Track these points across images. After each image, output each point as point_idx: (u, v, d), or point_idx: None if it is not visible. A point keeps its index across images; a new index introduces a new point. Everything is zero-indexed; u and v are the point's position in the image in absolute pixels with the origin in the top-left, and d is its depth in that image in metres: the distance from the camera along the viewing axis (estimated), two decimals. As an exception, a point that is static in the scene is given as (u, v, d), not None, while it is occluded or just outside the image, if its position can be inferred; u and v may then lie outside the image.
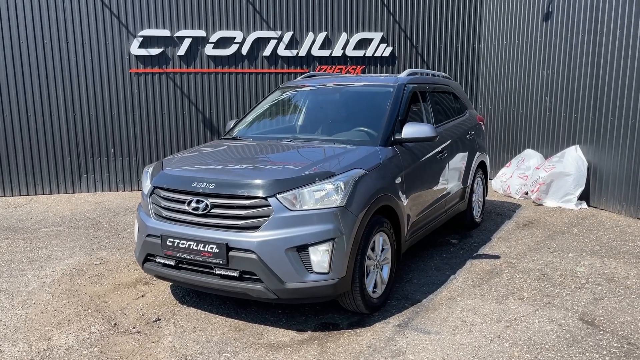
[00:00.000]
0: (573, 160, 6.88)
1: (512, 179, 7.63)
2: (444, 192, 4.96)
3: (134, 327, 3.56)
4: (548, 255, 4.95)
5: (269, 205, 3.26)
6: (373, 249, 3.69)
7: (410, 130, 4.10)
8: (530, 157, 7.64)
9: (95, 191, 8.23)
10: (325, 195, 3.34)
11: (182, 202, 3.47)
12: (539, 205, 6.94)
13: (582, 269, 4.60)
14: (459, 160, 5.30)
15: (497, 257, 4.94)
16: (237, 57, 8.33)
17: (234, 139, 4.57)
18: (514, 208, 6.84)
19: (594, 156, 6.78)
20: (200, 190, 3.40)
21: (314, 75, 5.44)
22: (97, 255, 5.11)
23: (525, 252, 5.07)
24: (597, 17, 6.61)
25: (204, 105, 8.36)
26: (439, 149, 4.81)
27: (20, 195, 7.99)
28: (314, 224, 3.25)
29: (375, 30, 8.66)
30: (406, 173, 4.10)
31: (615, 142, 6.44)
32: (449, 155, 4.99)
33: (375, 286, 3.74)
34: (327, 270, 3.27)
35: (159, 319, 3.69)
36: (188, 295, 4.09)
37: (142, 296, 4.11)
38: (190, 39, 8.13)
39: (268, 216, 3.25)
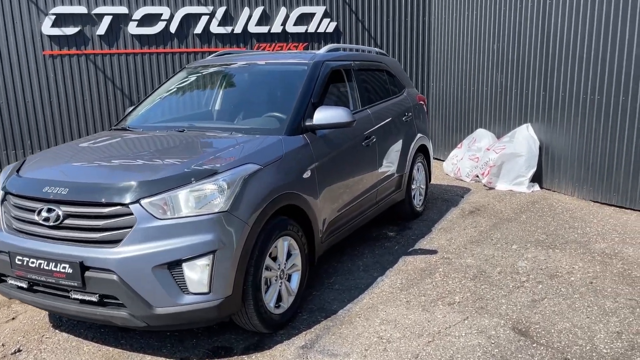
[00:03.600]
0: (524, 140, 6.44)
1: (462, 161, 7.17)
2: (374, 183, 4.43)
3: (-14, 363, 2.96)
4: (490, 248, 4.49)
5: (132, 214, 2.67)
6: (275, 258, 3.15)
7: (322, 116, 3.53)
8: (482, 138, 7.17)
9: (12, 187, 7.47)
10: (204, 198, 2.76)
11: (32, 210, 2.85)
12: (490, 189, 6.50)
13: (524, 263, 4.15)
14: (392, 146, 4.77)
15: (434, 252, 4.46)
16: (165, 35, 7.60)
17: (123, 129, 3.92)
18: (463, 193, 6.38)
19: (545, 135, 6.34)
20: (51, 197, 2.78)
21: (228, 53, 4.81)
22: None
23: (465, 244, 4.60)
24: (546, -16, 6.10)
25: (130, 90, 7.63)
26: (366, 134, 4.26)
27: None
28: (189, 235, 2.68)
29: (318, 4, 8.02)
30: (320, 165, 3.55)
31: (567, 120, 6.00)
32: (379, 141, 4.45)
33: (280, 299, 3.20)
34: (207, 290, 2.71)
35: (19, 350, 3.08)
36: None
37: (13, 318, 3.50)
38: (110, 17, 7.36)
39: (131, 227, 2.66)
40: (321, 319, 3.34)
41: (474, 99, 7.50)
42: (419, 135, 5.37)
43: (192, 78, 4.37)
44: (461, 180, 7.06)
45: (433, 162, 7.80)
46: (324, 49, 4.26)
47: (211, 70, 4.33)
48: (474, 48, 7.41)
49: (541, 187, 6.46)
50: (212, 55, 4.78)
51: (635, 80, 5.18)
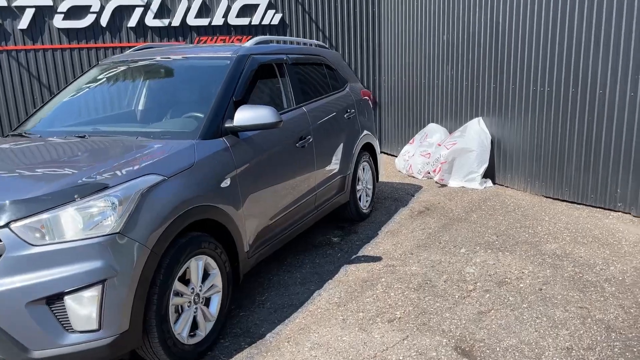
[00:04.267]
0: (475, 134, 6.21)
1: (414, 158, 6.91)
2: (312, 187, 4.08)
3: None
4: (437, 253, 4.21)
5: (0, 241, 2.23)
6: (188, 281, 2.76)
7: (243, 116, 3.14)
8: (434, 133, 6.92)
9: None
10: (92, 218, 2.34)
11: None
12: (442, 186, 6.25)
13: (472, 269, 3.88)
14: (333, 146, 4.42)
15: (379, 259, 4.15)
16: (95, 29, 7.03)
17: (19, 135, 3.44)
18: (414, 191, 6.10)
19: (497, 129, 6.13)
20: None
21: (151, 47, 4.35)
22: None
23: (412, 249, 4.31)
24: (494, -28, 5.86)
25: (59, 88, 7.03)
26: (301, 134, 3.90)
27: None
28: (73, 262, 2.26)
29: (261, -5, 7.58)
30: (243, 171, 3.17)
31: (518, 113, 5.79)
32: (317, 141, 4.10)
33: (196, 327, 2.82)
34: (96, 327, 2.30)
35: None
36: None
37: None
38: (33, 9, 6.75)
39: (0, 255, 2.23)
40: (245, 346, 2.97)
41: (425, 93, 7.24)
42: (363, 132, 5.05)
43: (105, 76, 3.90)
44: (413, 177, 6.80)
45: (384, 159, 7.54)
46: (251, 41, 3.86)
47: (126, 66, 3.87)
48: (423, 40, 7.14)
49: (494, 183, 6.25)
50: (130, 50, 4.32)
51: (584, 71, 4.99)
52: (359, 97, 5.13)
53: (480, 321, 3.13)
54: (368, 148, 5.24)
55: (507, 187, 6.09)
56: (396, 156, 7.63)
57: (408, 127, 7.72)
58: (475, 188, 6.09)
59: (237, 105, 3.26)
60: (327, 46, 5.10)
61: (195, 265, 2.78)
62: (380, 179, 6.53)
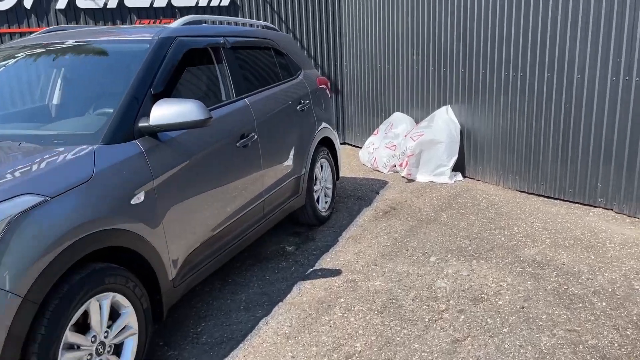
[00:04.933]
0: (444, 124, 5.71)
1: (379, 150, 6.38)
2: (259, 192, 3.49)
3: None
4: (404, 262, 3.70)
5: None
6: (88, 326, 2.15)
7: (161, 113, 2.53)
8: (400, 123, 6.40)
9: None
10: None
11: None
12: (410, 181, 5.75)
13: (443, 282, 3.38)
14: (283, 143, 3.85)
15: (338, 272, 3.62)
16: (18, 12, 6.22)
17: None
18: (379, 187, 5.59)
19: (467, 118, 5.65)
20: None
21: (62, 29, 3.66)
22: None
23: (376, 259, 3.79)
24: (461, -55, 5.33)
25: (-22, 80, 6.19)
26: (243, 131, 3.30)
27: None
28: None
29: (209, -27, 6.88)
30: (163, 183, 2.56)
31: (489, 100, 5.31)
32: (263, 139, 3.51)
33: (101, 383, 2.22)
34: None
35: None
36: None
37: None
38: (-59, -11, 5.89)
39: None
40: (169, 401, 2.40)
41: (390, 79, 6.71)
42: (321, 125, 4.48)
43: (-1, 64, 3.20)
44: (378, 171, 6.28)
45: (347, 151, 6.99)
46: (178, 22, 3.22)
47: (26, 53, 3.18)
48: (386, 21, 6.58)
49: (464, 176, 5.79)
50: (36, 33, 3.61)
51: (561, 54, 4.53)
52: (314, 86, 4.55)
53: (455, 353, 2.64)
54: (326, 143, 4.68)
55: (479, 180, 5.64)
56: (361, 147, 7.10)
57: (372, 117, 7.19)
58: (445, 183, 5.61)
59: (157, 100, 2.63)
60: (276, 28, 4.49)
61: (97, 307, 2.18)
62: (343, 174, 6.01)
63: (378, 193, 5.40)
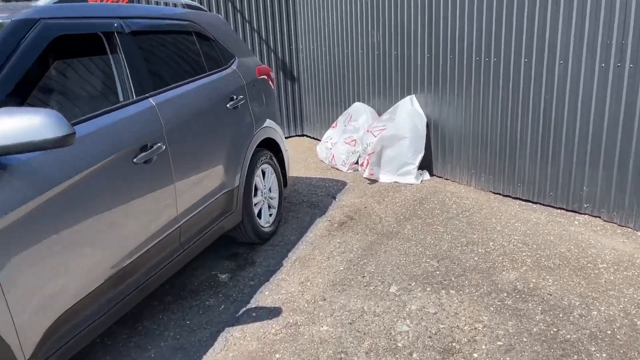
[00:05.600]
0: (408, 116, 5.03)
1: (337, 146, 5.68)
2: (172, 218, 2.75)
3: None
4: (359, 295, 3.03)
5: None
6: None
7: (-6, 130, 1.75)
8: (360, 114, 5.70)
9: None
10: None
11: None
12: (372, 182, 5.07)
13: (405, 325, 2.73)
14: (206, 152, 3.09)
15: (278, 312, 2.92)
16: None
17: None
18: (336, 190, 4.90)
19: (433, 109, 4.98)
20: None
21: None
22: None
23: (326, 290, 3.11)
24: None
25: None
26: (144, 142, 2.54)
27: None
28: None
29: (139, -56, 5.94)
30: (2, 229, 1.79)
31: (458, 89, 4.65)
32: (174, 150, 2.75)
33: None
34: None
35: None
36: None
37: None
38: None
39: None
40: None
41: (348, 65, 5.98)
42: (261, 125, 3.74)
43: None
44: (337, 169, 5.58)
45: (306, 145, 6.17)
46: (45, -1, 2.41)
47: None
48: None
49: (431, 175, 5.15)
50: None
51: (540, 36, 3.87)
52: (252, 77, 3.79)
53: None
54: (269, 145, 3.95)
55: (448, 180, 5.00)
56: (320, 140, 6.38)
57: (331, 107, 6.46)
58: (411, 183, 4.96)
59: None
60: (201, 7, 3.68)
61: None
62: (297, 174, 5.33)
63: (335, 198, 4.71)
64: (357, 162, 5.47)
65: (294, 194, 4.84)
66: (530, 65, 4.00)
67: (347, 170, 5.50)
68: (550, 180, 4.06)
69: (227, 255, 3.68)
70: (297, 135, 7.12)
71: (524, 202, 4.29)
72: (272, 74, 4.14)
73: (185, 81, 3.07)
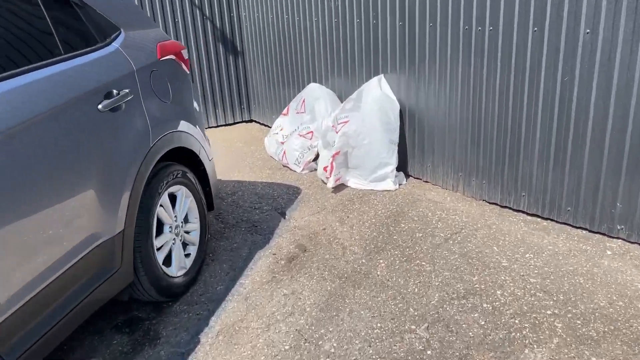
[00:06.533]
0: (375, 103, 3.90)
1: (291, 140, 4.51)
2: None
3: None
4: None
5: None
6: None
7: None
8: (316, 99, 4.53)
9: None
10: None
11: None
12: (337, 188, 3.93)
13: None
14: (56, 184, 1.89)
15: None
16: None
17: None
18: (287, 201, 3.76)
19: (408, 93, 3.85)
20: None
21: None
22: None
23: (260, 393, 2.00)
24: None
25: None
26: None
27: None
28: None
29: None
30: None
31: (440, 67, 3.52)
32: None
33: None
34: None
35: None
36: None
37: None
38: None
39: None
40: None
41: (301, 36, 4.76)
42: (169, 129, 2.55)
43: None
44: (289, 169, 4.44)
45: (255, 133, 4.83)
46: None
47: None
48: (291, -48, 4.57)
49: (407, 176, 4.07)
50: None
51: (560, -6, 2.77)
52: (150, 60, 2.56)
53: None
54: (183, 155, 2.76)
55: (427, 182, 3.93)
56: (271, 127, 5.18)
57: (283, 87, 5.26)
58: (387, 189, 3.86)
59: None
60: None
61: None
62: (241, 175, 4.27)
63: (284, 215, 3.58)
64: (314, 160, 4.33)
65: (230, 209, 3.69)
66: (541, 36, 2.89)
67: (302, 171, 4.35)
68: (568, 191, 3.03)
69: (122, 322, 2.52)
70: (243, 122, 5.90)
71: (529, 217, 3.26)
72: (185, 53, 2.91)
73: (16, 71, 1.84)
